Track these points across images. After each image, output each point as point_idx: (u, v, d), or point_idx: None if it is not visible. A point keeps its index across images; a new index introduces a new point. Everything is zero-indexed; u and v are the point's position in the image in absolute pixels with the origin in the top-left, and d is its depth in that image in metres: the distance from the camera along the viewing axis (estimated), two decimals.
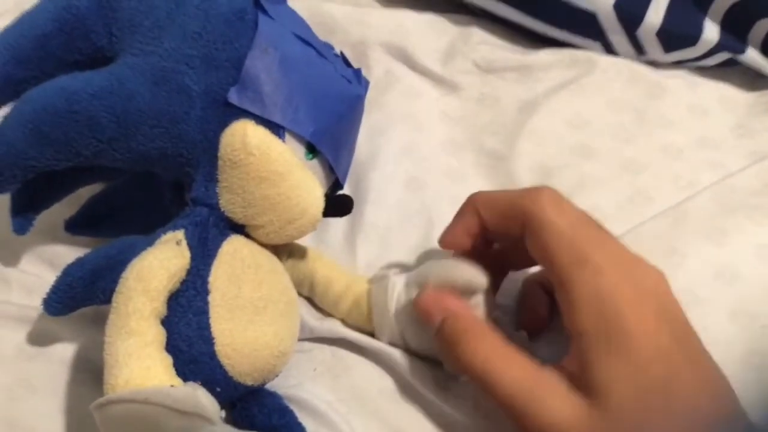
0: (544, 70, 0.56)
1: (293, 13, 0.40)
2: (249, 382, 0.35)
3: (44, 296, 0.35)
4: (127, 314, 0.31)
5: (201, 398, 0.30)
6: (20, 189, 0.37)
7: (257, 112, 0.34)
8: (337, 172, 0.39)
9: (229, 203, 0.35)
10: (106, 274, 0.34)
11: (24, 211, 0.39)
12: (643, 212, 0.48)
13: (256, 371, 0.35)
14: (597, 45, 0.57)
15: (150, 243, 0.34)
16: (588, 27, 0.56)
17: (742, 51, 0.55)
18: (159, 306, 0.32)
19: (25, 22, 0.36)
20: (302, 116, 0.36)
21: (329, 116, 0.37)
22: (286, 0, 0.41)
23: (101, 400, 0.30)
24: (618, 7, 0.54)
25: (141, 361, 0.30)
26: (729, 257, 0.44)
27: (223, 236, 0.36)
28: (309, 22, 0.41)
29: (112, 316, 0.31)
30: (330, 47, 0.41)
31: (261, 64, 0.35)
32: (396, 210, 0.48)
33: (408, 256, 0.46)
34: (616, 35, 0.56)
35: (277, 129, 0.35)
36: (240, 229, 0.36)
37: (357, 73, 0.41)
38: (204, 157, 0.35)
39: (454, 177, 0.51)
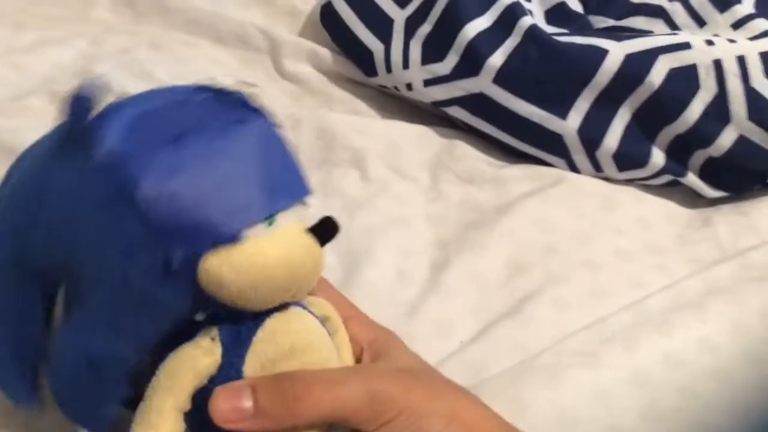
0: (515, 182, 0.65)
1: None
2: None
3: None
4: (150, 408, 0.34)
5: None
6: None
7: (200, 248, 0.33)
8: (298, 197, 0.36)
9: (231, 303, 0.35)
10: None
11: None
12: (604, 306, 0.56)
13: None
14: (562, 162, 0.67)
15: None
16: (555, 146, 0.66)
17: (684, 174, 0.65)
18: (182, 402, 0.35)
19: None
20: (231, 201, 0.33)
21: (253, 171, 0.35)
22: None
23: None
24: (581, 132, 0.64)
25: None
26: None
27: (258, 324, 0.36)
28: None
29: (141, 404, 0.35)
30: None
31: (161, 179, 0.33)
32: (387, 302, 0.55)
33: None
34: (579, 155, 0.66)
35: (230, 239, 0.33)
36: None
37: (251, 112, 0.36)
38: (199, 306, 0.35)
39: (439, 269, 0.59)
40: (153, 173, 0.32)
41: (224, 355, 0.36)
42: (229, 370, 0.36)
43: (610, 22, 0.71)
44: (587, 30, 0.69)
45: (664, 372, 0.51)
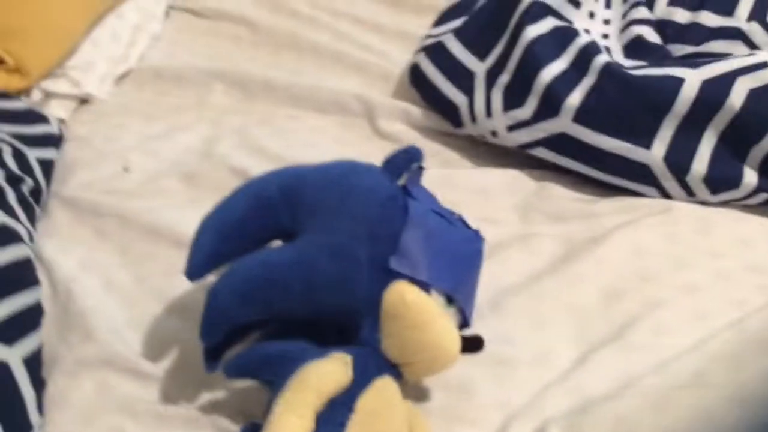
0: (607, 215, 0.67)
1: (427, 191, 0.54)
2: None
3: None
4: (299, 400, 0.42)
5: None
6: None
7: (410, 274, 0.47)
8: (467, 315, 0.51)
9: (389, 346, 0.47)
10: (276, 361, 0.46)
11: (214, 356, 0.51)
12: (706, 327, 0.57)
13: None
14: (654, 190, 0.68)
15: (322, 355, 0.45)
16: (644, 176, 0.67)
17: None
18: (320, 404, 0.43)
19: (224, 208, 0.51)
20: (442, 275, 0.48)
21: (461, 272, 0.50)
22: (420, 179, 0.55)
23: None
24: (667, 160, 0.66)
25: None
26: None
27: (379, 373, 0.46)
28: None
29: (287, 393, 0.42)
30: (452, 213, 0.54)
31: (411, 238, 0.48)
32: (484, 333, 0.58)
33: None
34: (669, 182, 0.67)
35: (424, 286, 0.47)
36: (393, 367, 0.47)
37: (476, 233, 0.54)
38: (370, 309, 0.47)
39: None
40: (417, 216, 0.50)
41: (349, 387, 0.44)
42: (347, 397, 0.44)
43: (689, 49, 0.72)
44: (666, 60, 0.71)
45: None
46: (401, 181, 0.52)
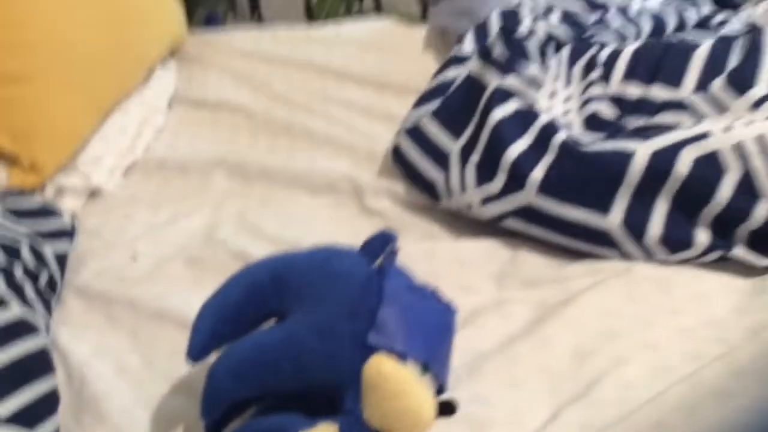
0: (576, 278, 0.73)
1: (402, 269, 0.60)
2: None
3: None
4: None
5: None
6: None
7: (387, 347, 0.53)
8: (442, 381, 0.57)
9: (371, 415, 0.52)
10: None
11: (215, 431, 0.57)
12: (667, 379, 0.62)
13: None
14: (616, 253, 0.74)
15: (310, 425, 0.51)
16: (606, 241, 0.73)
17: (731, 249, 0.70)
18: None
19: (221, 295, 0.58)
20: (417, 345, 0.54)
21: (435, 342, 0.56)
22: (396, 258, 0.62)
23: None
24: (625, 226, 0.72)
25: None
26: None
27: None
28: None
29: None
30: (426, 288, 0.60)
31: (387, 314, 0.54)
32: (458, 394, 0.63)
33: None
34: (628, 245, 0.73)
35: (402, 356, 0.53)
36: None
37: (448, 305, 0.60)
38: (352, 382, 0.52)
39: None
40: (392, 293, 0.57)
41: None
42: None
43: (642, 122, 0.79)
44: (620, 133, 0.77)
45: None
46: (378, 263, 0.59)
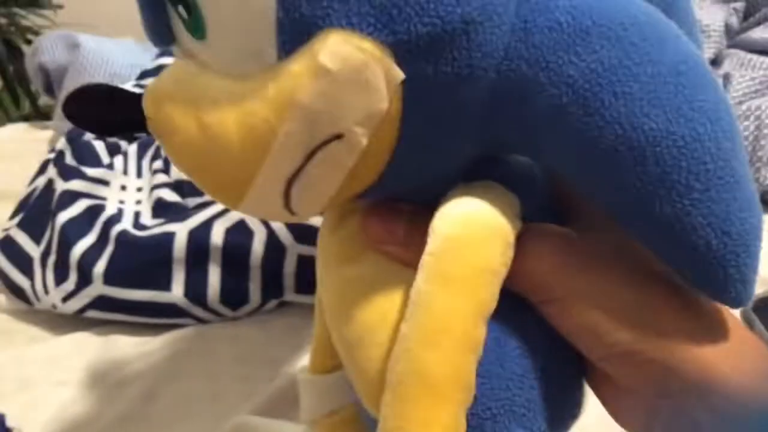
0: (158, 351, 0.81)
1: None
2: None
3: None
4: None
5: None
6: None
7: None
8: None
9: None
10: None
11: None
12: None
13: None
14: (190, 320, 0.83)
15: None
16: (178, 312, 0.83)
17: (282, 296, 0.83)
18: None
19: None
20: None
21: None
22: None
23: None
24: (187, 296, 0.82)
25: None
26: None
27: None
28: None
29: None
30: None
31: None
32: None
33: None
34: (196, 311, 0.83)
35: None
36: None
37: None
38: None
39: None
40: None
41: None
42: None
43: (199, 200, 0.90)
44: (181, 214, 0.87)
45: None
46: None
